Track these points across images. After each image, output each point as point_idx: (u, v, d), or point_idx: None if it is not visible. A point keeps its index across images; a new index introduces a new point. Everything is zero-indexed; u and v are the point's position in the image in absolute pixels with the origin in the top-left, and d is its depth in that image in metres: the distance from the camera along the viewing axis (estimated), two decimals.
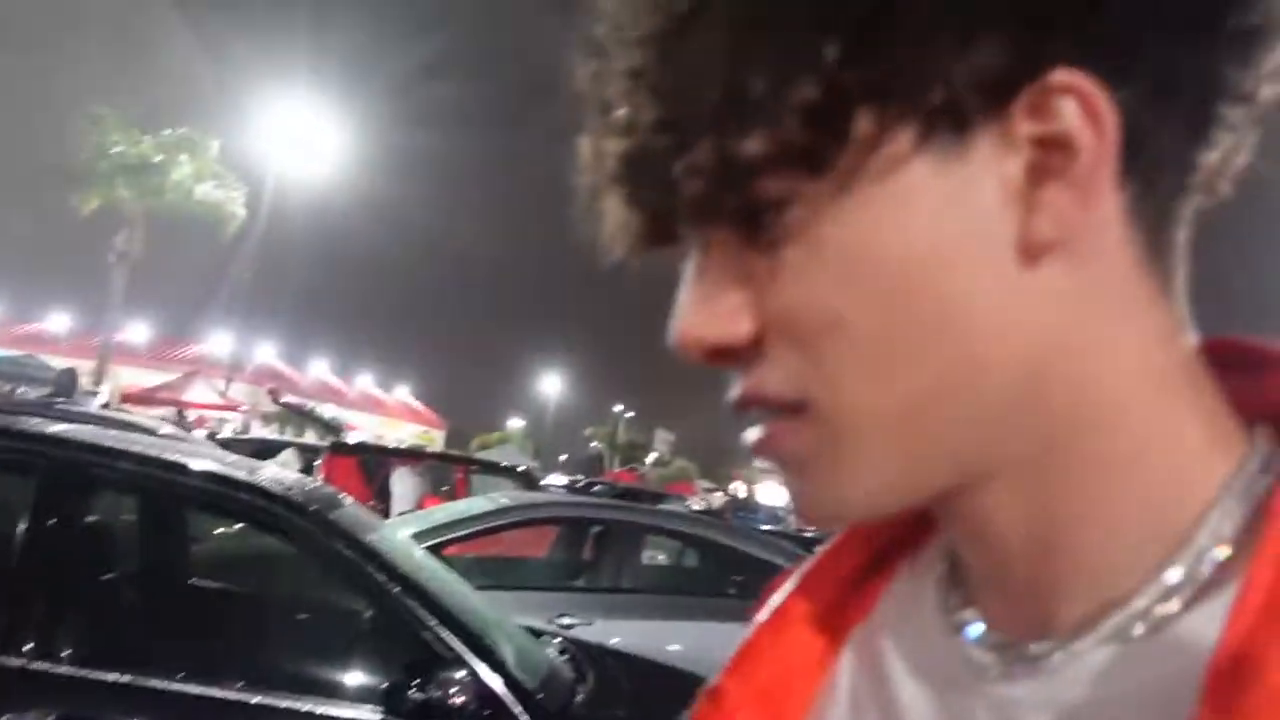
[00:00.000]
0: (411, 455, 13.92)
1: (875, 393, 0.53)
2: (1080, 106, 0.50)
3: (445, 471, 13.16)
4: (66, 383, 14.16)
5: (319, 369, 47.11)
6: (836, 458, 0.55)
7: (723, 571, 7.00)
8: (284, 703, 3.12)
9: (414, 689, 3.14)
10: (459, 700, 3.13)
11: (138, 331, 36.63)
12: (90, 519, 3.63)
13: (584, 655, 4.35)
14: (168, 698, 3.04)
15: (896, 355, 0.52)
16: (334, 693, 3.25)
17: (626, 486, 14.60)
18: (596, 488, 13.91)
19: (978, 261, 0.51)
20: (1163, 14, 0.50)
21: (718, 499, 25.14)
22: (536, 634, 4.48)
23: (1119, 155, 0.51)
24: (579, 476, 20.98)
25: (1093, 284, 0.53)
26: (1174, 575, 0.53)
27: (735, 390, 0.58)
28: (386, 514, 9.75)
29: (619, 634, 5.79)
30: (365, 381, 51.96)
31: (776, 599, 0.70)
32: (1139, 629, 0.53)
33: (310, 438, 22.54)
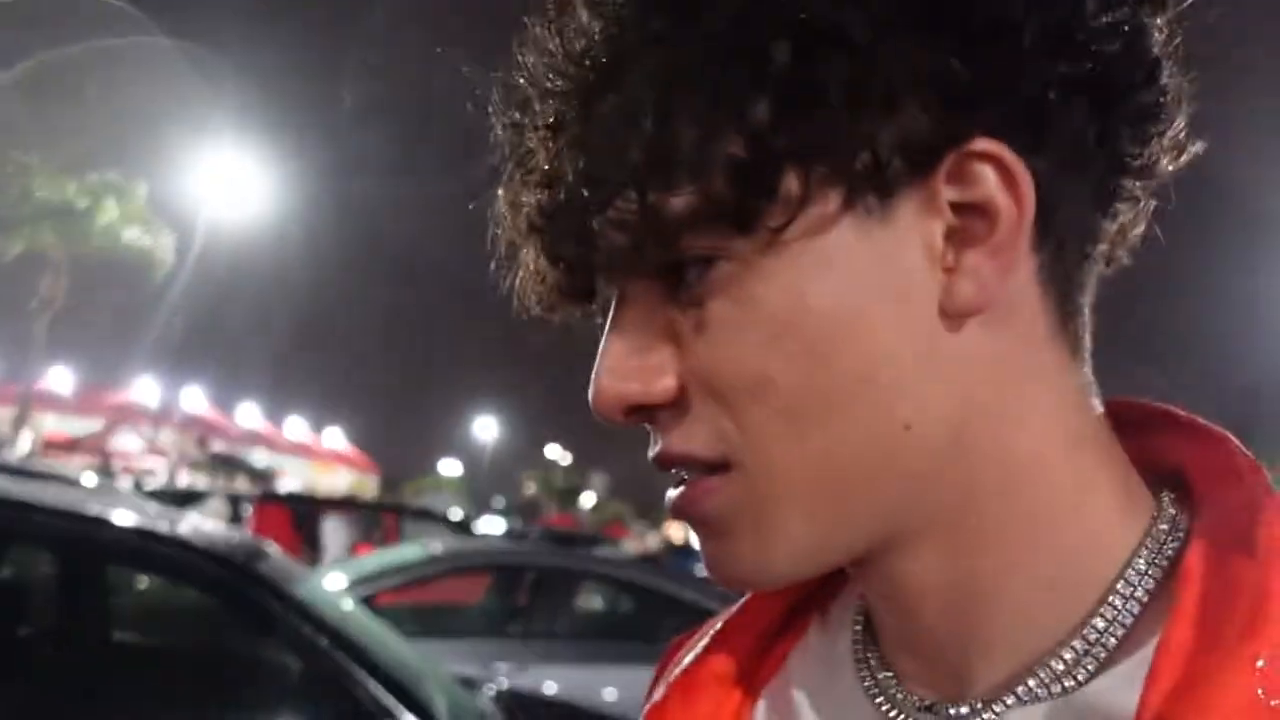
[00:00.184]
0: (342, 504, 13.76)
1: (799, 453, 0.53)
2: (999, 174, 0.51)
3: (377, 518, 13.03)
4: None
5: (249, 414, 46.46)
6: (759, 519, 0.55)
7: (658, 616, 6.96)
8: None
9: None
10: None
11: (62, 378, 35.93)
12: (5, 575, 3.53)
13: (518, 704, 4.30)
14: None
15: (821, 414, 0.52)
16: None
17: (561, 531, 14.54)
18: (531, 533, 13.84)
19: (901, 323, 0.52)
20: (1073, 90, 0.51)
21: (653, 542, 25.09)
22: (470, 684, 4.42)
23: (1033, 223, 0.52)
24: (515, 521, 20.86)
25: (1010, 347, 0.54)
26: (1090, 635, 0.53)
27: (656, 448, 0.57)
28: (317, 562, 9.61)
29: (554, 681, 5.76)
30: (297, 426, 51.35)
31: (687, 658, 0.69)
32: (1057, 689, 0.53)
33: (241, 484, 22.20)
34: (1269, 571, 0.48)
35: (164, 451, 28.92)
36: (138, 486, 15.11)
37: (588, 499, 58.00)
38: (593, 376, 0.57)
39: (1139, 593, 0.53)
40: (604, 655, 6.28)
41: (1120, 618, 0.53)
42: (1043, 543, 0.54)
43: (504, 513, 34.84)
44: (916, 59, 0.50)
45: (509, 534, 14.36)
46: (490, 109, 0.60)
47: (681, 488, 0.57)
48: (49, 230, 26.96)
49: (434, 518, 13.43)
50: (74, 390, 36.47)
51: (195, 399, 39.89)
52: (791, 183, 0.51)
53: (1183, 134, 0.56)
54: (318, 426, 53.38)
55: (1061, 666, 0.53)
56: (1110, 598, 0.53)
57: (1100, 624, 0.53)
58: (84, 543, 3.59)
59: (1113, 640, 0.53)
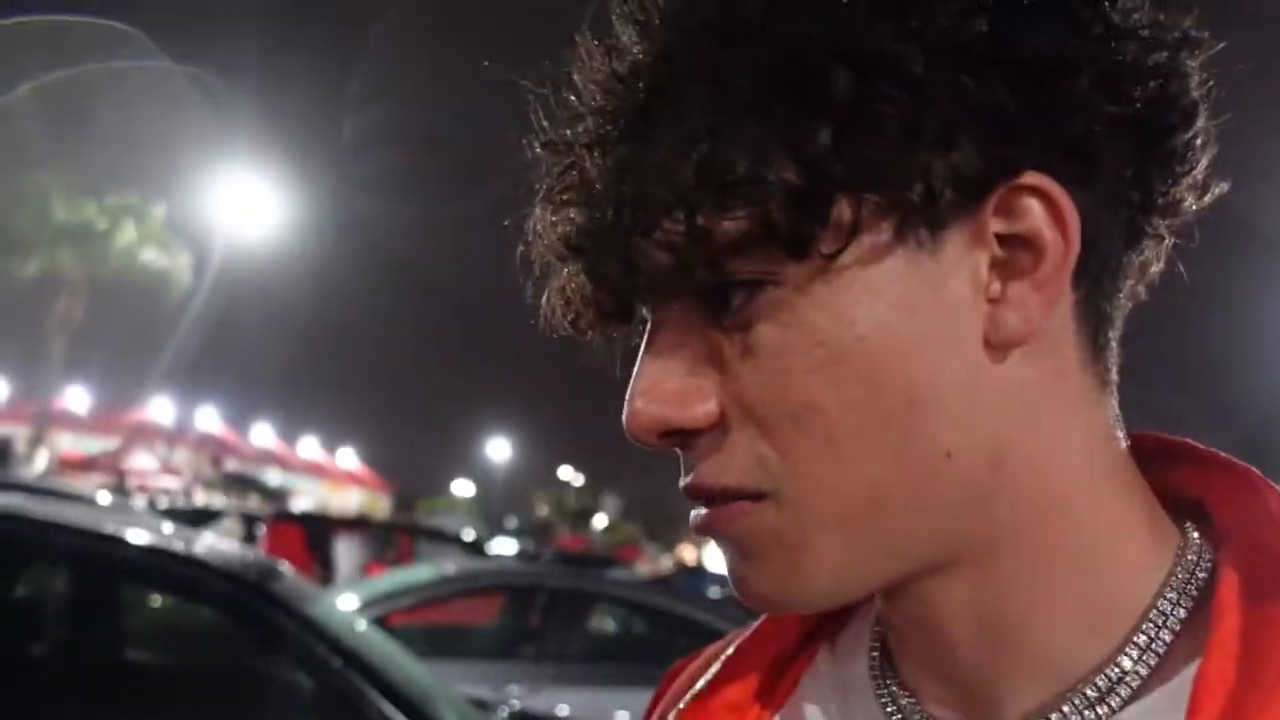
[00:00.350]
0: (355, 523, 13.75)
1: (842, 480, 0.53)
2: (1046, 208, 0.52)
3: (389, 538, 13.01)
4: (1, 452, 13.88)
5: (263, 433, 46.54)
6: (798, 545, 0.54)
7: (671, 638, 6.93)
8: None
9: None
10: None
11: (78, 397, 36.06)
12: (20, 592, 3.54)
13: None
14: None
15: (866, 441, 0.52)
16: None
17: (573, 552, 14.50)
18: (544, 554, 13.81)
19: (947, 353, 0.52)
20: (1120, 130, 0.52)
21: (666, 564, 24.98)
22: (482, 705, 4.41)
23: (1077, 257, 0.53)
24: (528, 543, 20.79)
25: (1047, 380, 0.55)
26: (1125, 663, 0.53)
27: (688, 479, 0.57)
28: (330, 581, 9.60)
29: (566, 703, 5.73)
30: (310, 445, 51.39)
31: (700, 684, 0.69)
32: (1091, 716, 0.53)
33: (254, 503, 22.21)
34: None
35: (178, 470, 28.98)
36: (151, 505, 15.14)
37: (600, 520, 57.80)
38: (627, 398, 0.56)
39: (1171, 622, 0.54)
40: (616, 677, 6.24)
41: (1154, 646, 0.54)
42: (1075, 573, 0.55)
43: (516, 534, 34.73)
44: (972, 92, 0.50)
45: (521, 555, 14.35)
46: (531, 126, 0.60)
47: (710, 506, 0.56)
48: (67, 251, 27.11)
49: (446, 538, 13.41)
50: (90, 409, 36.59)
51: (210, 418, 40.01)
52: (844, 210, 0.51)
53: (1206, 174, 0.57)
54: (331, 446, 53.47)
55: (1094, 693, 0.53)
56: (1143, 626, 0.54)
57: (1134, 653, 0.53)
58: (99, 561, 3.60)
59: (1145, 670, 0.53)
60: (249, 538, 12.41)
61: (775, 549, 0.55)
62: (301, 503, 28.41)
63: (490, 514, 49.25)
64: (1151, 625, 0.54)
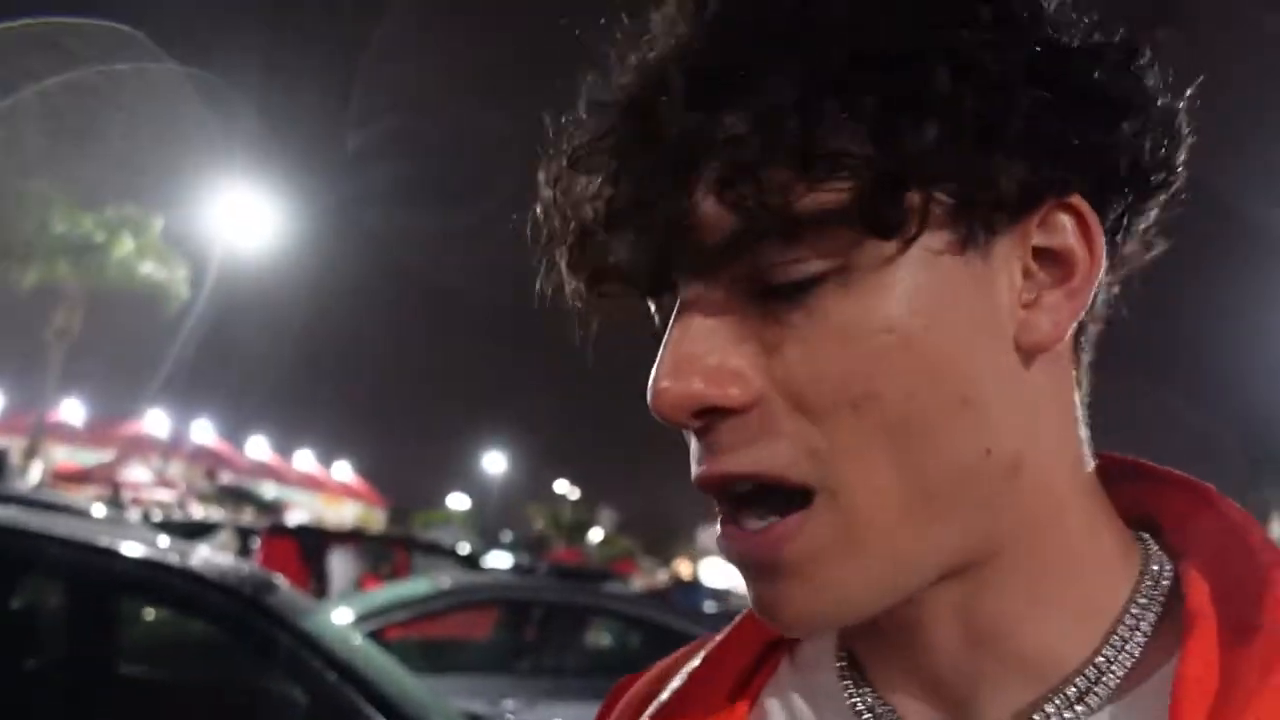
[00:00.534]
0: (351, 537, 13.72)
1: (895, 471, 0.53)
2: (1077, 225, 0.55)
3: (384, 551, 12.98)
4: None
5: (258, 446, 46.42)
6: (849, 551, 0.54)
7: (666, 652, 6.91)
8: None
9: None
10: None
11: (74, 410, 35.97)
12: (15, 605, 3.53)
13: None
14: None
15: (920, 433, 0.53)
16: None
17: (569, 566, 14.46)
18: (539, 568, 13.80)
19: (990, 352, 0.55)
20: (1142, 165, 0.56)
21: (661, 577, 24.97)
22: (478, 719, 4.39)
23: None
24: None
25: (1058, 389, 0.58)
26: (1100, 663, 0.55)
27: (708, 466, 0.55)
28: (325, 595, 9.58)
29: (561, 717, 5.71)
30: (306, 458, 51.23)
31: (664, 696, 0.69)
32: (1069, 715, 0.55)
33: (249, 516, 22.16)
34: (1277, 613, 0.52)
35: (173, 483, 28.90)
36: (146, 518, 15.10)
37: (596, 534, 57.69)
38: (654, 375, 0.55)
39: (1144, 625, 0.56)
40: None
41: (1128, 647, 0.56)
42: (1065, 578, 0.57)
43: (512, 547, 34.65)
44: (1049, 112, 0.53)
45: (517, 569, 14.31)
46: (535, 134, 0.60)
47: (741, 531, 0.55)
48: (65, 263, 27.08)
49: (442, 551, 13.39)
50: (85, 422, 36.50)
51: (205, 431, 39.91)
52: (916, 202, 0.52)
53: (1165, 214, 0.60)
54: (326, 459, 53.33)
55: (1075, 691, 0.55)
56: (1118, 628, 0.56)
57: (1111, 652, 0.55)
58: (94, 574, 3.59)
59: (1122, 669, 0.55)
60: (244, 551, 12.38)
61: (826, 560, 0.54)
62: (297, 516, 28.36)
63: (486, 527, 49.11)
64: (1125, 627, 0.56)
